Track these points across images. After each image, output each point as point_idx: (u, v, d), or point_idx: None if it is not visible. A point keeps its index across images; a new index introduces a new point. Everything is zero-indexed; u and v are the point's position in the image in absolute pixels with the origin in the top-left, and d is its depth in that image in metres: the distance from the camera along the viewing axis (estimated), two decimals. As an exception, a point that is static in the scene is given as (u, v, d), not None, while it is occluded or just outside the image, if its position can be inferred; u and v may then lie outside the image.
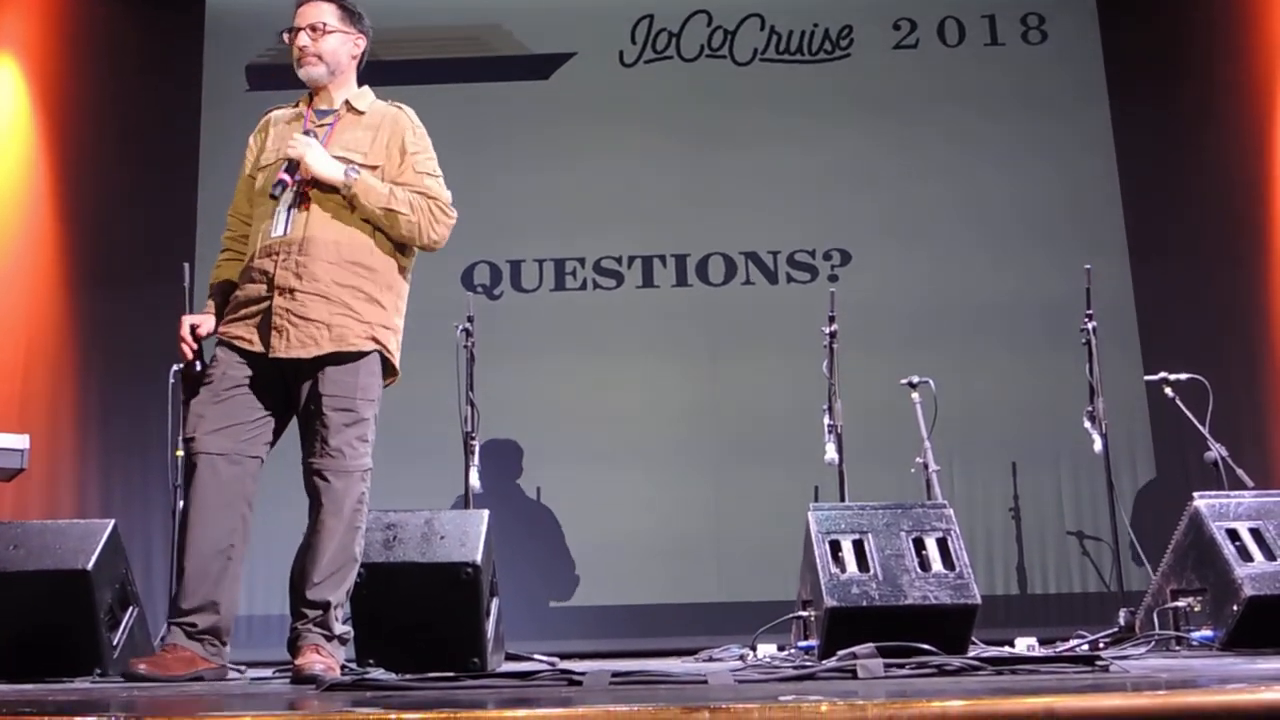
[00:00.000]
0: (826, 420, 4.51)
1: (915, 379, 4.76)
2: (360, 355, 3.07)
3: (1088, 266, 4.59)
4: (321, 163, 3.07)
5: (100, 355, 5.70)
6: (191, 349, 3.09)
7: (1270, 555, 3.45)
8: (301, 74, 3.20)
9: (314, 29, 3.18)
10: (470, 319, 4.73)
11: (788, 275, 6.34)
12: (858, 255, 6.32)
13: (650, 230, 6.38)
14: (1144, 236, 6.21)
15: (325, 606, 2.97)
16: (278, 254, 3.04)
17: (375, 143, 3.18)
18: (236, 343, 3.05)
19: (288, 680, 2.98)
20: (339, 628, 3.02)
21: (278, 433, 3.13)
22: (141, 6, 6.26)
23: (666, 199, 6.38)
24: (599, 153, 6.44)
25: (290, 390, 3.08)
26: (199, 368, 3.07)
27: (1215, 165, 6.05)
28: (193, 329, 3.12)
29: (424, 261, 6.07)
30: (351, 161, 3.12)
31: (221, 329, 3.10)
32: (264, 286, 3.03)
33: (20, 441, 3.96)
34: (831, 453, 4.42)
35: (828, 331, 4.66)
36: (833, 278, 6.21)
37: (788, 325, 5.90)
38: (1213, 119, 6.11)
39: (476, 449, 4.53)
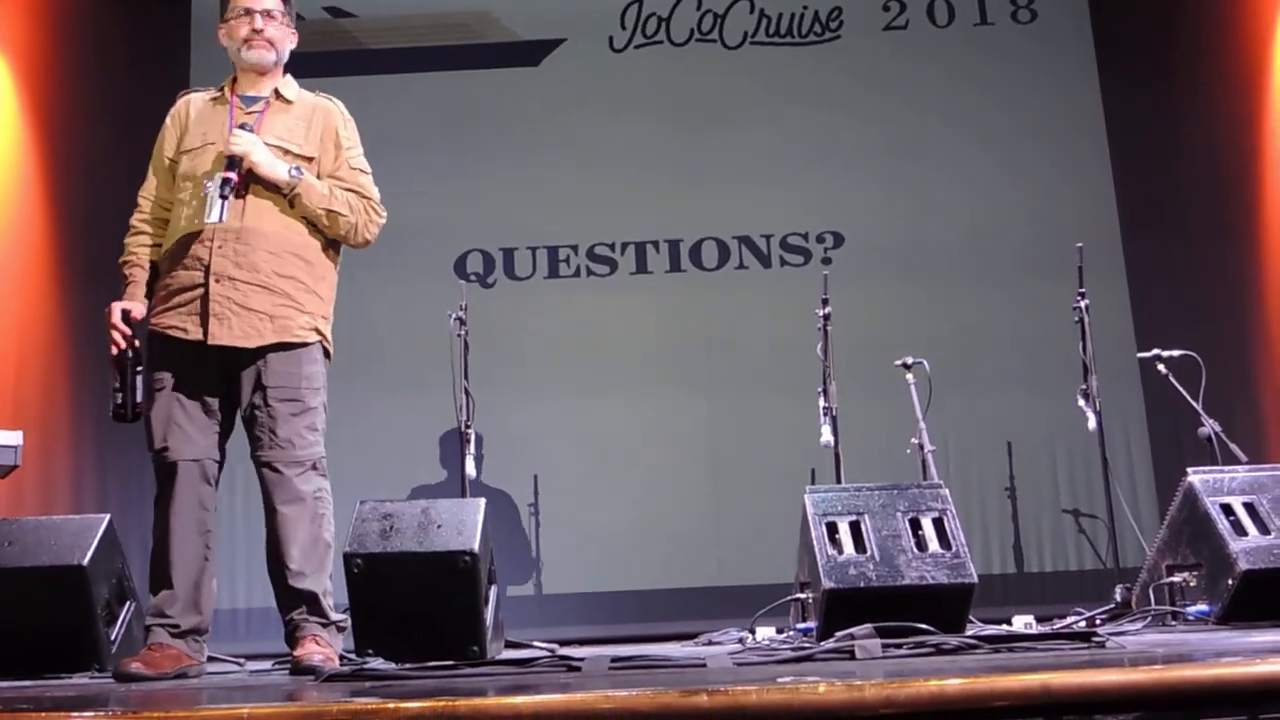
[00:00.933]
0: (821, 403, 4.51)
1: (909, 360, 4.76)
2: (303, 345, 3.09)
3: (1079, 245, 4.59)
4: (267, 161, 3.08)
5: (93, 351, 5.67)
6: (125, 335, 3.07)
7: (1264, 529, 3.46)
8: (250, 56, 3.20)
9: (266, 15, 3.21)
10: (464, 308, 4.72)
11: (781, 258, 6.33)
12: (850, 237, 6.31)
13: (643, 216, 6.37)
14: (1136, 213, 6.21)
15: (314, 596, 3.00)
16: (212, 240, 3.03)
17: (309, 133, 3.20)
18: (172, 333, 3.04)
19: (287, 672, 2.99)
20: (334, 615, 3.04)
21: (229, 428, 3.14)
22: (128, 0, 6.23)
23: (658, 184, 6.36)
24: (590, 139, 6.42)
25: (229, 381, 3.08)
26: (131, 355, 3.06)
27: (1206, 140, 6.04)
28: (126, 314, 3.09)
29: (416, 251, 6.14)
30: (288, 152, 3.13)
31: (154, 320, 3.09)
32: (199, 273, 3.03)
33: (14, 438, 3.95)
34: (827, 435, 4.42)
35: (821, 314, 4.67)
36: (826, 260, 6.20)
37: (781, 308, 5.89)
38: (1203, 94, 6.10)
39: (472, 438, 4.53)
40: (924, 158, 6.34)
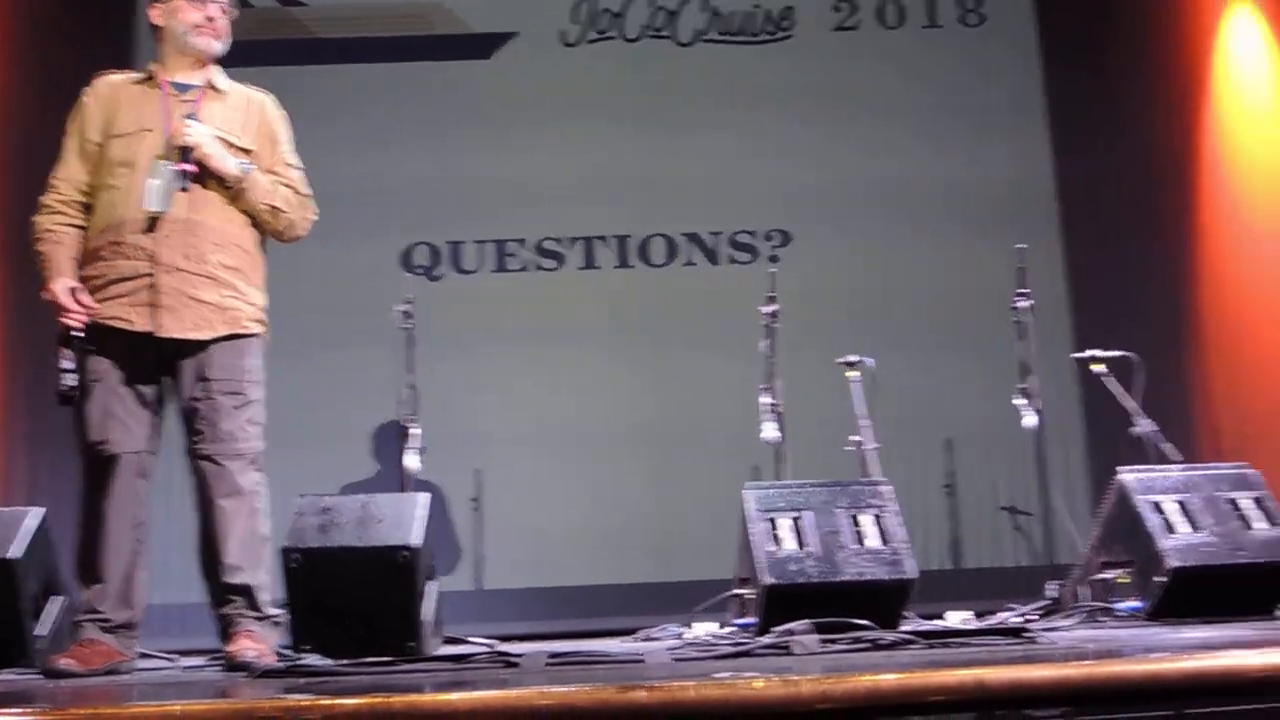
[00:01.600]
0: (766, 400, 4.53)
1: (853, 358, 4.78)
2: (247, 337, 3.07)
3: (1021, 246, 4.64)
4: (219, 155, 3.05)
5: (22, 340, 5.56)
6: (82, 312, 2.97)
7: (1194, 527, 3.52)
8: (199, 43, 3.15)
9: (222, 9, 3.19)
10: (409, 301, 4.69)
11: (729, 256, 6.36)
12: (798, 236, 6.35)
13: (592, 211, 6.35)
14: (1076, 215, 6.30)
15: (250, 591, 2.97)
16: (157, 230, 2.98)
17: (246, 126, 3.17)
18: (114, 324, 2.98)
19: (220, 668, 2.95)
20: (270, 610, 3.01)
21: (162, 419, 3.10)
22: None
23: (608, 180, 6.35)
24: (540, 133, 6.39)
25: (168, 372, 3.04)
26: (81, 335, 2.96)
27: (1146, 144, 6.14)
28: (73, 292, 2.98)
29: (362, 243, 6.11)
30: (230, 144, 3.09)
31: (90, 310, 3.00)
32: (143, 263, 2.97)
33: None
34: (771, 431, 4.44)
35: (768, 311, 4.68)
36: (773, 258, 6.22)
37: (729, 305, 5.90)
38: (1145, 100, 6.20)
39: (417, 432, 4.50)
40: (873, 159, 6.38)
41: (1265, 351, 5.77)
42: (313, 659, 2.89)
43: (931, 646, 2.61)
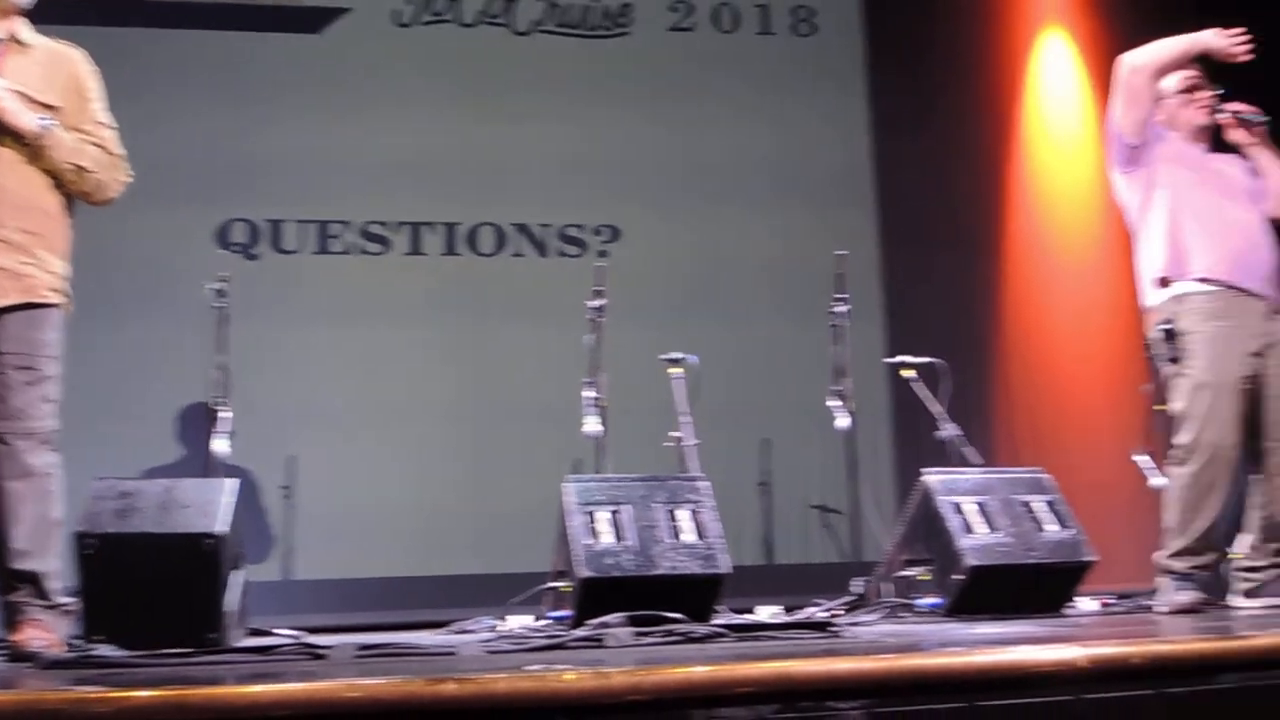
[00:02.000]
0: (589, 393, 4.55)
1: (676, 355, 4.85)
2: (44, 308, 2.91)
3: (839, 252, 4.79)
4: (14, 110, 2.88)
5: None
6: None
7: (991, 528, 3.71)
8: None
9: None
10: (224, 279, 4.52)
11: (558, 249, 6.35)
12: (626, 231, 6.39)
13: (420, 197, 6.24)
14: (892, 223, 6.55)
15: (37, 577, 2.82)
16: None
17: (52, 82, 3.01)
18: None
19: (4, 658, 2.79)
20: (59, 598, 2.86)
21: None
22: None
23: (438, 166, 6.25)
24: (369, 114, 6.23)
25: None
26: None
27: (962, 159, 6.44)
28: None
29: (175, 216, 5.83)
30: (31, 100, 2.93)
31: None
32: None
33: None
34: (593, 425, 4.47)
35: (594, 306, 4.70)
36: (601, 253, 6.26)
37: (555, 298, 5.90)
38: (962, 116, 6.50)
39: (227, 415, 4.34)
40: (702, 158, 6.48)
41: (1061, 364, 6.14)
42: (106, 649, 2.75)
43: (741, 640, 2.68)
